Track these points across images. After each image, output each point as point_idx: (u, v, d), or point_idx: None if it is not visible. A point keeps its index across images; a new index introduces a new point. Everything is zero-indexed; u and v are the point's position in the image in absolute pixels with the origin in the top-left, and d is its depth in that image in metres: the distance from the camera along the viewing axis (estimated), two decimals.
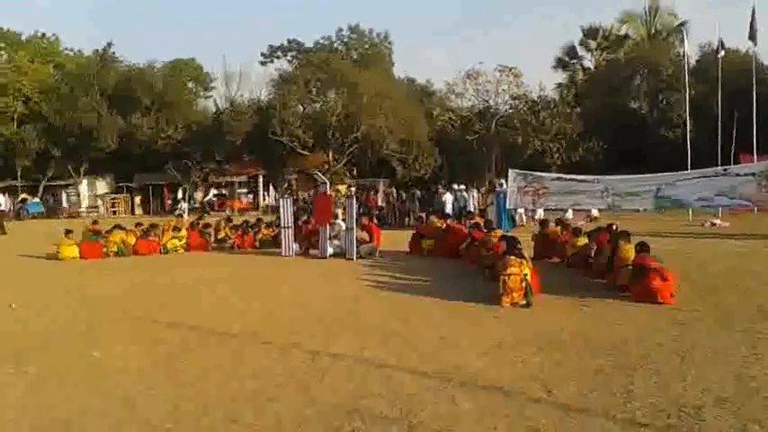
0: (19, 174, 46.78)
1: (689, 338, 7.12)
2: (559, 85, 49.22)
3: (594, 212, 24.43)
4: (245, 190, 47.25)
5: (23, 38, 56.67)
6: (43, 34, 58.41)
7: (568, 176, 23.02)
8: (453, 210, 24.67)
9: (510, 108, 42.58)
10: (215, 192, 46.02)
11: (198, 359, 6.79)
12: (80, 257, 16.72)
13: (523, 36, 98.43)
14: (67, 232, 17.41)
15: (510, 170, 22.88)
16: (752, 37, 25.43)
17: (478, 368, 6.18)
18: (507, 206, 21.94)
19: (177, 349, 7.22)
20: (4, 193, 40.56)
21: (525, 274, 9.25)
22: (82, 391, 5.89)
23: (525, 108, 41.45)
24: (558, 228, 14.96)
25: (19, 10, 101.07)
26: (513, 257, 9.59)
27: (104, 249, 17.20)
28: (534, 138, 39.06)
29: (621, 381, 5.70)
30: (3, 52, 54.95)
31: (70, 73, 49.97)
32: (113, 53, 51.88)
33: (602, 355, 6.54)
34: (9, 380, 6.25)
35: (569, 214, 23.32)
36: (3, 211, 31.87)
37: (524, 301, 9.14)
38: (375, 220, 21.44)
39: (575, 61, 51.24)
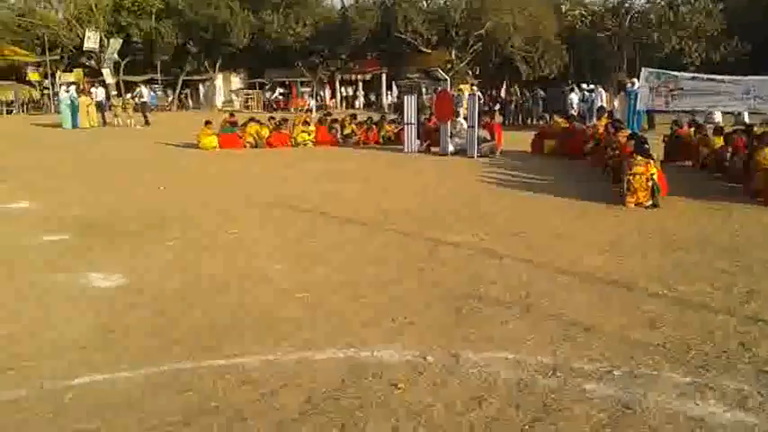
0: (159, 68, 48.97)
1: None
2: None
3: (746, 118, 22.74)
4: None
5: None
6: None
7: (706, 76, 21.58)
8: (580, 111, 23.88)
9: (646, 2, 39.83)
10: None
11: (324, 242, 7.25)
12: (219, 147, 17.71)
13: None
14: (207, 123, 18.30)
15: (642, 69, 21.69)
16: None
17: (596, 264, 6.24)
18: (638, 107, 20.94)
19: (305, 233, 7.71)
20: (146, 85, 42.57)
21: (652, 174, 9.01)
22: (219, 261, 6.49)
23: (663, 2, 38.64)
24: (692, 129, 14.24)
25: None
26: (639, 157, 9.33)
27: (241, 140, 18.12)
28: (672, 35, 36.54)
29: (745, 281, 5.61)
30: None
31: None
32: None
33: (727, 256, 6.41)
34: (156, 249, 6.95)
35: (717, 117, 22.04)
36: (145, 102, 33.50)
37: (650, 202, 8.96)
38: (498, 118, 21.18)
39: None
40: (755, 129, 13.01)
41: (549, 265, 6.20)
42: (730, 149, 11.67)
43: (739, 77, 20.47)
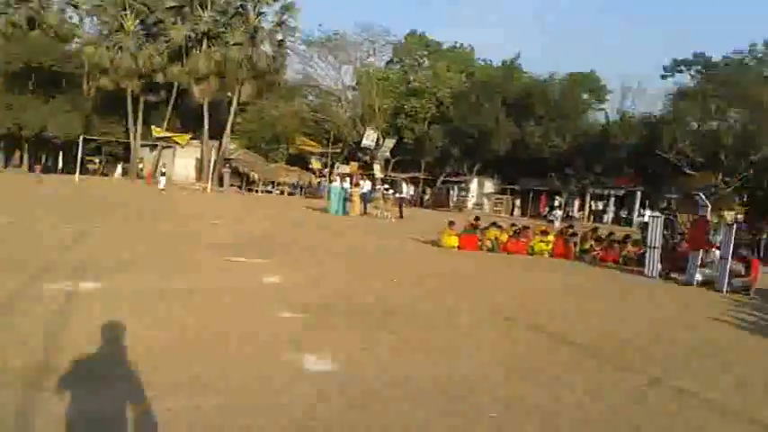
0: (422, 167, 52.19)
1: None
2: None
3: None
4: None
5: (444, 47, 61.72)
6: (461, 44, 62.82)
7: None
8: None
9: None
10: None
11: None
12: (458, 248, 18.00)
13: None
14: (451, 223, 18.87)
15: None
16: None
17: None
18: None
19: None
20: (407, 183, 45.54)
21: None
22: None
23: None
24: None
25: (444, 19, 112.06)
26: None
27: (479, 243, 18.40)
28: None
29: None
30: (425, 59, 60.85)
31: (479, 81, 53.35)
32: (519, 65, 54.08)
33: None
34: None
35: None
36: (403, 197, 35.16)
37: None
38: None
39: None
40: None
41: None
42: None
43: None
